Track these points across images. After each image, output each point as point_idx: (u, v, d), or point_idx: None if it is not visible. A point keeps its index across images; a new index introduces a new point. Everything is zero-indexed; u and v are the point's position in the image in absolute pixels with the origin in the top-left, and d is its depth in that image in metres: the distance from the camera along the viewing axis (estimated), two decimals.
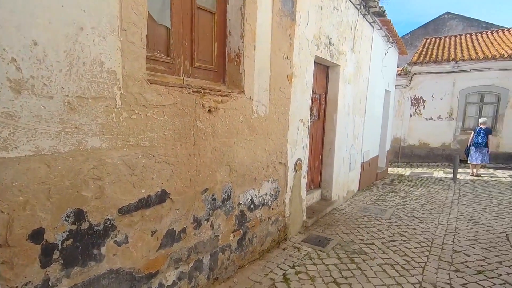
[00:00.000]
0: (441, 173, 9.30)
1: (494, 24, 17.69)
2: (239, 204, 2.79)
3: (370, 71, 6.08)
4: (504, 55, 9.74)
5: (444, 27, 19.86)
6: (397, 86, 11.61)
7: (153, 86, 1.90)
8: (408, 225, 4.33)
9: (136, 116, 1.82)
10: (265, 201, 3.17)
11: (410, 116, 11.60)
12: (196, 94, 2.21)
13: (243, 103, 2.68)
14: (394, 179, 7.95)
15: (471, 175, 8.30)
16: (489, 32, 13.80)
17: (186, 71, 2.36)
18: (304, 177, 3.99)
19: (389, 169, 10.66)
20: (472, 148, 8.23)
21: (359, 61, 5.43)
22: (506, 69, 9.77)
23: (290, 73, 3.31)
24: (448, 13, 20.25)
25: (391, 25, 6.22)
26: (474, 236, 3.87)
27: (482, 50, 10.93)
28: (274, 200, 3.33)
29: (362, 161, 6.36)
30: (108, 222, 1.74)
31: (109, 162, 1.70)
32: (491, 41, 11.98)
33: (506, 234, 3.89)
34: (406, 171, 9.90)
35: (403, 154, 11.89)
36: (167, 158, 2.05)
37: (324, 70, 4.69)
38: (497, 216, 4.64)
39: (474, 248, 3.52)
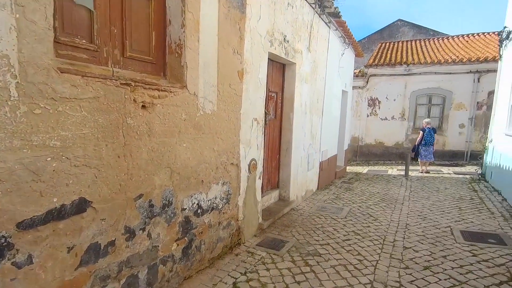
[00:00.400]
0: (394, 170, 9.75)
1: (439, 32, 19.21)
2: (183, 209, 2.55)
3: (327, 71, 6.14)
4: (448, 60, 10.50)
5: (397, 33, 21.12)
6: (354, 87, 12.02)
7: (65, 75, 1.60)
8: (363, 223, 4.38)
9: (41, 111, 1.51)
10: (214, 205, 2.95)
11: (367, 116, 12.08)
12: (125, 87, 1.94)
13: (186, 99, 2.44)
14: (352, 178, 8.16)
15: (420, 172, 8.80)
16: (435, 39, 14.90)
17: (116, 61, 2.08)
18: (259, 178, 3.84)
19: (348, 167, 10.98)
20: (422, 146, 8.74)
21: (316, 60, 5.43)
22: (449, 73, 10.55)
23: (241, 69, 3.14)
24: (400, 20, 21.60)
25: (346, 26, 6.35)
26: (422, 232, 4.00)
27: (429, 55, 11.72)
28: (225, 204, 3.13)
29: (320, 160, 6.40)
30: (3, 240, 1.41)
31: (1, 166, 1.38)
32: (437, 47, 12.91)
33: (451, 228, 4.07)
34: (364, 169, 10.26)
35: (361, 152, 12.34)
36: (87, 161, 1.75)
37: (280, 68, 4.59)
38: (443, 211, 4.88)
39: (422, 243, 3.62)
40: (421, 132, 8.71)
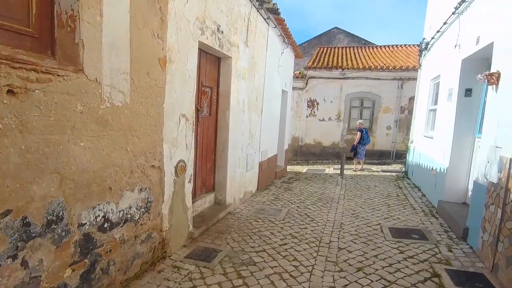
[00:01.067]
0: (331, 169, 10.17)
1: (370, 42, 21.02)
2: (82, 225, 2.03)
3: (267, 69, 5.99)
4: (377, 67, 11.38)
5: (334, 40, 22.46)
6: (295, 88, 12.29)
7: None
8: (300, 224, 4.28)
9: None
10: (129, 216, 2.47)
11: (307, 117, 12.45)
12: None
13: (83, 87, 1.94)
14: (292, 177, 8.20)
15: (354, 171, 9.30)
16: (366, 47, 16.16)
17: None
18: (190, 182, 3.44)
19: (288, 167, 11.12)
20: (360, 146, 9.25)
21: (255, 56, 5.21)
22: (378, 79, 11.43)
23: (163, 56, 2.71)
24: (336, 27, 23.06)
25: (285, 25, 6.29)
26: (355, 231, 4.04)
27: (361, 61, 12.58)
28: (144, 213, 2.66)
29: (260, 161, 6.22)
30: None
31: None
32: (368, 55, 13.97)
33: (381, 226, 4.21)
34: (303, 169, 10.49)
35: (301, 152, 12.67)
36: None
37: (215, 61, 4.24)
38: (374, 209, 5.08)
39: (355, 243, 3.62)
40: (359, 132, 9.21)
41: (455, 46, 4.63)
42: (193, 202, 3.84)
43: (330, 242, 3.67)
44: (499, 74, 3.15)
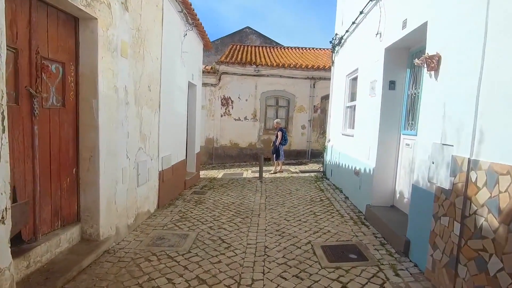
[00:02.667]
0: (249, 172, 9.36)
1: (279, 44, 21.48)
2: None
3: (164, 51, 4.63)
4: (290, 65, 11.15)
5: (247, 40, 22.15)
6: (207, 84, 11.10)
7: None
8: (212, 256, 3.12)
9: None
10: None
11: (221, 116, 11.40)
12: None
13: None
14: (205, 185, 6.98)
15: (274, 173, 8.67)
16: (279, 47, 16.17)
17: None
18: (2, 222, 1.88)
19: (203, 172, 9.86)
20: (281, 147, 8.65)
21: (142, 29, 3.81)
22: (292, 77, 11.23)
23: None
24: (248, 27, 22.89)
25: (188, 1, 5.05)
26: (283, 257, 3.11)
27: (275, 59, 12.24)
28: None
29: (160, 170, 4.82)
30: None
31: None
32: (281, 55, 13.83)
33: (312, 245, 3.39)
34: (219, 173, 9.39)
35: (216, 155, 11.55)
36: None
37: (67, 22, 2.71)
38: (300, 220, 4.31)
39: (286, 279, 2.67)
40: (279, 132, 8.60)
41: (376, 34, 4.22)
42: (31, 248, 2.28)
43: (253, 282, 2.62)
44: (439, 57, 2.64)
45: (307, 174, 8.34)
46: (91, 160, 2.94)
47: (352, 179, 5.20)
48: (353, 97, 5.96)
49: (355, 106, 5.50)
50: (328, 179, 7.29)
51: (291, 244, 3.45)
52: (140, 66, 3.78)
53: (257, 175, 8.32)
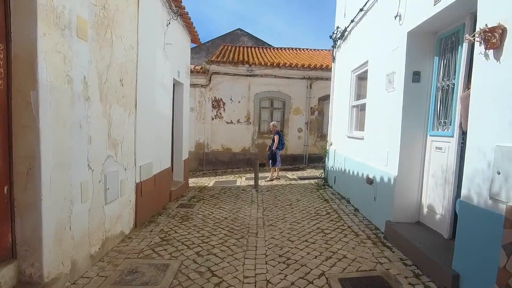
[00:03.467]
0: (243, 180, 8.60)
1: (272, 45, 20.90)
2: None
3: (141, 40, 3.87)
4: (286, 64, 10.49)
5: (238, 42, 21.49)
6: (196, 85, 10.35)
7: None
8: None
9: None
10: None
11: (212, 119, 10.63)
12: None
13: None
14: (194, 196, 6.19)
15: (270, 180, 7.94)
16: (272, 48, 15.54)
17: None
18: None
19: (192, 179, 9.05)
20: (278, 151, 7.93)
21: (109, 8, 3.05)
22: (287, 77, 10.56)
23: None
24: (240, 29, 22.30)
25: None
26: None
27: (269, 59, 11.57)
28: None
29: (138, 181, 4.02)
30: None
31: None
32: (275, 55, 13.18)
33: (327, 279, 2.65)
34: (210, 181, 8.60)
35: (207, 160, 10.75)
36: None
37: None
38: (307, 241, 3.56)
39: None
40: (276, 136, 7.88)
41: (396, 16, 3.55)
42: None
43: None
44: (503, 30, 1.96)
45: (306, 181, 7.62)
46: (29, 174, 2.14)
47: (363, 189, 4.50)
48: (360, 94, 5.29)
49: (363, 104, 4.83)
50: (331, 187, 6.58)
51: (300, 277, 2.70)
52: (107, 53, 3.01)
53: (251, 183, 7.58)
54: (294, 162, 10.77)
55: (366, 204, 4.38)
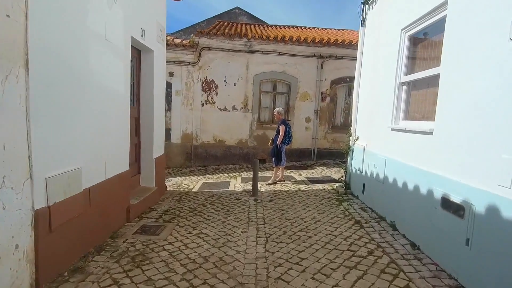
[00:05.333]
0: (238, 181, 6.83)
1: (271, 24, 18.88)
2: None
3: None
4: (292, 38, 8.57)
5: (236, 20, 19.42)
6: (183, 63, 8.45)
7: None
8: None
9: None
10: None
11: (202, 105, 8.78)
12: None
13: None
14: (168, 210, 4.41)
15: (272, 183, 6.17)
16: (275, 26, 13.52)
17: None
18: None
19: (174, 180, 7.28)
20: (283, 146, 6.14)
21: None
22: (294, 55, 8.67)
23: None
24: (238, 8, 20.20)
25: None
26: None
27: (272, 33, 9.62)
28: None
29: (44, 205, 2.23)
30: None
31: None
32: (278, 31, 11.20)
33: None
34: (197, 183, 6.83)
35: (196, 155, 8.95)
36: None
37: None
38: None
39: None
40: (282, 126, 6.07)
41: None
42: None
43: None
44: None
45: (320, 186, 5.85)
46: None
47: (432, 216, 2.72)
48: (416, 65, 3.47)
49: (422, 80, 3.01)
50: (357, 197, 4.82)
51: None
52: None
53: (249, 186, 5.83)
54: (301, 158, 8.99)
55: (442, 244, 2.61)
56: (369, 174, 4.40)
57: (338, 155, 8.93)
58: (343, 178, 5.48)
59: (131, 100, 4.00)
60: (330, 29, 13.22)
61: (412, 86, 3.56)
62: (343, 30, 12.20)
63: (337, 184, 5.78)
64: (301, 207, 4.47)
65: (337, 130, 9.06)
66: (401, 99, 3.68)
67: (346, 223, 3.77)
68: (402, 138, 3.46)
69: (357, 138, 5.06)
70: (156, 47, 4.61)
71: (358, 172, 4.86)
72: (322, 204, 4.60)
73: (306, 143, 8.99)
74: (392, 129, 3.74)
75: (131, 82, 3.85)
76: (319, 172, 7.56)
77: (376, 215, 3.98)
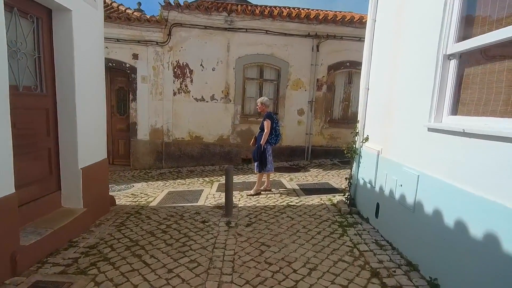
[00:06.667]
0: (214, 189, 5.47)
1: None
2: None
3: None
4: (282, 13, 7.10)
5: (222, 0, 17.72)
6: (149, 43, 6.95)
7: None
8: None
9: None
10: None
11: (175, 94, 7.31)
12: None
13: None
14: (96, 244, 3.04)
15: (255, 194, 4.82)
16: (263, 6, 11.97)
17: None
18: None
19: (137, 186, 5.90)
20: (269, 147, 4.77)
21: None
22: (285, 34, 7.22)
23: None
24: None
25: None
26: None
27: (258, 7, 8.11)
28: None
29: None
30: None
31: None
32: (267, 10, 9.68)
33: None
34: (162, 191, 5.46)
35: (169, 154, 7.52)
36: None
37: None
38: None
39: None
40: (267, 120, 4.69)
41: None
42: None
43: None
44: None
45: (316, 200, 4.51)
46: None
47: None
48: (477, 24, 2.09)
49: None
50: (367, 220, 3.49)
51: None
52: None
53: (223, 197, 4.44)
54: (292, 157, 7.64)
55: None
56: (386, 192, 3.07)
57: (336, 154, 7.62)
58: (346, 189, 4.14)
59: (36, 84, 2.57)
60: (326, 10, 11.75)
61: (468, 59, 2.20)
62: (340, 12, 10.75)
63: (338, 197, 4.46)
64: (290, 238, 3.13)
65: (335, 124, 7.71)
66: (447, 81, 2.32)
67: (357, 275, 2.44)
68: (453, 145, 2.12)
69: (367, 139, 3.71)
70: (78, 5, 3.13)
71: (369, 185, 3.53)
72: (319, 234, 3.26)
73: (299, 139, 7.63)
74: (431, 129, 2.39)
75: (29, 54, 2.40)
76: (314, 175, 6.23)
77: (402, 258, 2.65)
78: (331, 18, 7.16)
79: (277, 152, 7.01)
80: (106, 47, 7.16)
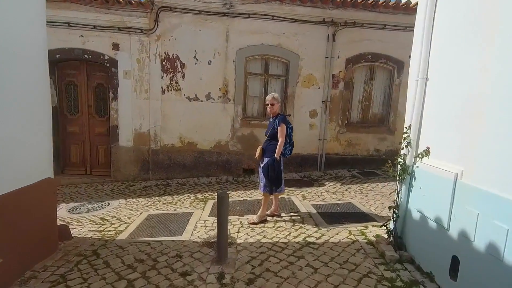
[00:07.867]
0: (206, 212, 4.26)
1: None
2: None
3: None
4: None
5: None
6: (132, 30, 5.80)
7: None
8: None
9: None
10: None
11: (163, 92, 6.13)
12: None
13: None
14: None
15: (259, 222, 3.61)
16: None
17: None
18: None
19: (117, 203, 4.73)
20: (281, 159, 3.61)
21: None
22: (295, 21, 6.04)
23: None
24: None
25: None
26: None
27: None
28: None
29: None
30: None
31: None
32: None
33: None
34: (138, 217, 4.26)
35: (156, 163, 6.33)
36: None
37: None
38: None
39: None
40: (282, 125, 3.56)
41: None
42: None
43: None
44: None
45: (342, 232, 3.28)
46: None
47: None
48: None
49: None
50: (433, 279, 2.27)
51: None
52: None
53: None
54: (303, 167, 6.43)
55: None
56: (478, 243, 1.86)
57: (354, 164, 6.41)
58: (389, 224, 2.92)
59: None
60: None
61: None
62: None
63: (371, 228, 3.24)
64: None
65: (353, 128, 6.50)
66: None
67: None
68: None
69: (427, 153, 2.50)
70: None
71: (434, 225, 2.31)
72: None
73: (311, 146, 6.42)
74: None
75: None
76: (331, 192, 5.01)
77: None
78: (351, 1, 5.97)
79: (284, 161, 5.81)
80: (82, 36, 6.04)
